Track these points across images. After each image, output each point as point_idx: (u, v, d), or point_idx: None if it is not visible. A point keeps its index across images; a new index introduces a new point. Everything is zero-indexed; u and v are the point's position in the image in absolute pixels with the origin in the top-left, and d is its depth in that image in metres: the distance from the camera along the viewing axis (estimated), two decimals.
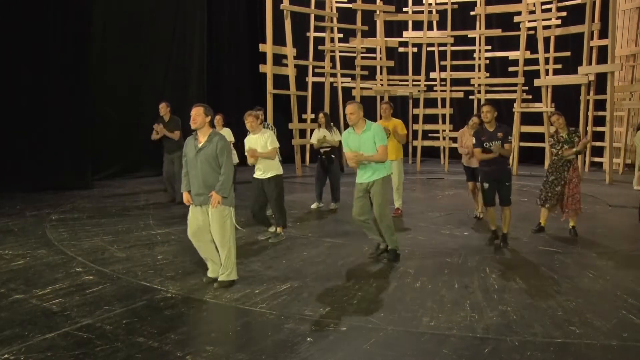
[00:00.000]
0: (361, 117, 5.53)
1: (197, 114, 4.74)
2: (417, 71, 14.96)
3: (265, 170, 6.38)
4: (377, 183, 5.54)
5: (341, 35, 14.63)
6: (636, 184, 5.55)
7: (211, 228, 4.79)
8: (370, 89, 14.55)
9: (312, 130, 9.94)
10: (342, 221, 7.52)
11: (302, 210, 8.54)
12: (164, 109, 8.94)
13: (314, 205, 8.63)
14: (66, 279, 4.99)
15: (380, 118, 7.98)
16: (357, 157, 5.44)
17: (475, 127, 7.87)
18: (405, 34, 14.91)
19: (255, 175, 6.49)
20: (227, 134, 8.37)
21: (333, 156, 8.44)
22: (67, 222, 7.42)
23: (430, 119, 14.95)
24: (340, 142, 8.16)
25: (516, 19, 13.31)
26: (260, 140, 6.33)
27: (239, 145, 8.24)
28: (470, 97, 14.74)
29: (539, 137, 13.29)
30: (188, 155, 4.84)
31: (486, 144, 6.19)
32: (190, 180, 4.83)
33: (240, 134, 7.57)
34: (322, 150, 8.46)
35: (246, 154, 6.40)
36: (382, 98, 13.50)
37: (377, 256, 5.83)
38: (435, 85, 15.17)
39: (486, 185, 6.36)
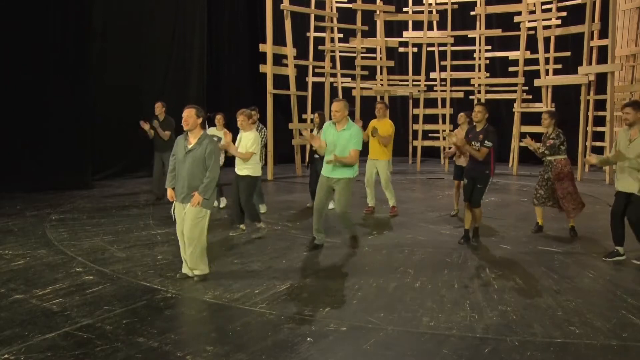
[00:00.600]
0: (345, 116, 5.80)
1: (189, 115, 4.80)
2: (417, 71, 14.94)
3: (242, 168, 6.56)
4: (341, 182, 5.82)
5: (341, 35, 14.62)
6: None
7: (184, 224, 4.85)
8: (371, 89, 14.54)
9: (312, 131, 9.98)
10: (339, 221, 7.50)
11: (301, 210, 8.55)
12: (159, 109, 8.98)
13: (309, 204, 8.72)
14: (66, 279, 4.99)
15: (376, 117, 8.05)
16: (330, 159, 5.70)
17: (465, 120, 7.96)
18: (405, 34, 14.90)
19: (235, 169, 6.67)
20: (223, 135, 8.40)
21: (316, 156, 8.48)
22: (67, 222, 7.42)
23: (431, 119, 14.94)
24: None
25: (516, 19, 13.30)
26: (245, 140, 6.50)
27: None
28: (471, 97, 14.73)
29: (539, 137, 13.19)
30: (177, 154, 4.90)
31: (472, 142, 6.28)
32: (177, 179, 4.91)
33: (237, 132, 7.63)
34: (312, 149, 8.57)
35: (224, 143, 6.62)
36: (381, 98, 13.50)
37: (310, 250, 6.06)
38: (436, 85, 15.16)
39: (465, 180, 6.47)
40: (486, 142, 6.11)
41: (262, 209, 8.04)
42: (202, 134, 4.85)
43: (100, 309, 4.24)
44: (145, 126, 8.90)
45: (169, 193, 5.01)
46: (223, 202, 8.68)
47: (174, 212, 5.00)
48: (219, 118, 8.53)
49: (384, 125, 7.89)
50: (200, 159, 4.77)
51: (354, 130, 5.76)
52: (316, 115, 8.69)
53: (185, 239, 4.90)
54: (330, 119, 8.60)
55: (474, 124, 6.38)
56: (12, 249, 5.99)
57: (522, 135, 13.15)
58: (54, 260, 5.58)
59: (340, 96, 14.63)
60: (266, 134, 8.17)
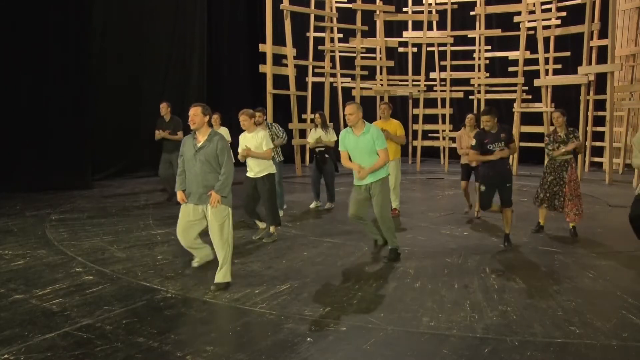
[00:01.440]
0: (360, 118, 5.54)
1: (195, 114, 4.69)
2: (417, 71, 14.96)
3: (260, 170, 6.39)
4: (375, 185, 5.59)
5: (341, 35, 14.63)
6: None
7: (210, 228, 4.76)
8: (370, 89, 14.55)
9: (310, 131, 10.02)
10: (341, 221, 7.52)
11: (301, 210, 8.54)
12: (164, 109, 8.95)
13: (312, 205, 8.68)
14: (66, 279, 4.99)
15: (380, 118, 7.97)
16: (362, 172, 5.47)
17: (472, 124, 7.93)
18: (405, 34, 14.91)
19: (247, 175, 6.52)
20: (225, 133, 8.39)
21: (327, 156, 8.49)
22: (67, 222, 7.42)
23: (430, 119, 14.95)
24: (335, 142, 8.23)
25: (516, 19, 13.30)
26: (254, 140, 6.33)
27: (235, 144, 8.27)
28: (470, 97, 14.75)
29: (539, 137, 13.25)
30: (186, 154, 4.79)
31: (489, 146, 6.12)
32: (188, 180, 4.81)
33: (239, 133, 7.57)
34: (316, 150, 8.53)
35: (239, 151, 6.39)
36: (382, 98, 13.49)
37: (378, 252, 5.93)
38: (435, 85, 15.17)
39: (483, 187, 6.29)
40: (511, 136, 6.14)
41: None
42: (210, 132, 4.76)
43: (100, 309, 4.24)
44: (163, 134, 8.80)
45: (180, 195, 4.87)
46: None
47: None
48: (215, 117, 8.48)
49: (391, 125, 7.80)
50: (212, 156, 4.67)
51: (374, 132, 5.49)
52: (317, 115, 8.72)
53: (215, 245, 4.76)
54: (330, 119, 8.54)
55: (485, 129, 6.25)
56: (12, 249, 5.99)
57: (522, 135, 13.21)
58: (53, 261, 5.58)
59: (340, 96, 14.68)
60: (284, 132, 8.02)
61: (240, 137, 6.49)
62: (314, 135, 8.51)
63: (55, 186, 9.88)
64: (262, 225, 6.79)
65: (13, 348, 3.53)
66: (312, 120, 13.82)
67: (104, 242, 6.37)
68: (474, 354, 3.53)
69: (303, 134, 14.13)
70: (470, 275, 5.19)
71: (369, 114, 8.36)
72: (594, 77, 12.48)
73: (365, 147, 5.49)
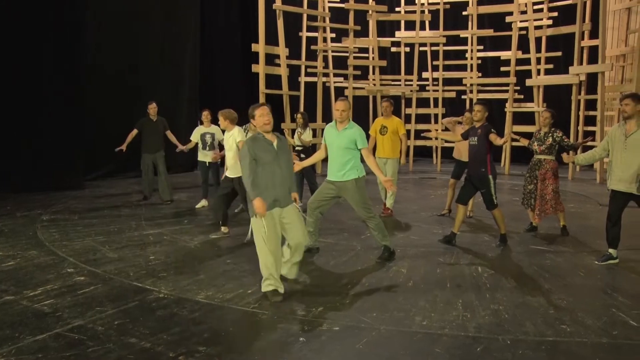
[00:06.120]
0: (349, 116, 5.59)
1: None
2: (409, 71, 14.98)
3: (235, 170, 6.35)
4: (349, 186, 5.46)
5: (333, 35, 14.63)
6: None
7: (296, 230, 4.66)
8: (363, 88, 14.55)
9: (294, 131, 10.05)
10: (333, 221, 7.53)
11: None
12: (154, 110, 8.93)
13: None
14: (57, 279, 4.96)
15: (382, 115, 8.04)
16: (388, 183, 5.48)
17: (470, 122, 8.00)
18: (397, 33, 14.94)
19: (226, 174, 6.54)
20: (217, 131, 8.39)
21: (303, 156, 8.53)
22: (59, 223, 7.37)
23: (423, 118, 14.98)
24: (311, 142, 8.65)
25: (508, 19, 13.37)
26: (229, 139, 6.42)
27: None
28: (463, 96, 14.79)
29: (531, 137, 13.30)
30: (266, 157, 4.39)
31: (470, 139, 6.30)
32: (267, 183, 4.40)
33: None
34: (296, 149, 8.67)
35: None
36: (382, 97, 13.52)
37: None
38: (428, 85, 15.19)
39: (465, 181, 6.41)
40: (491, 131, 6.06)
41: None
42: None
43: (92, 310, 4.21)
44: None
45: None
46: (202, 202, 8.62)
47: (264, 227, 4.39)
48: (205, 114, 8.48)
49: (392, 123, 7.90)
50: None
51: (356, 130, 5.45)
52: (299, 115, 8.85)
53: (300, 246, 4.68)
54: (323, 118, 8.57)
55: (473, 123, 6.38)
56: (3, 250, 5.95)
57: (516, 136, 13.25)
58: (45, 261, 5.54)
59: (333, 96, 14.65)
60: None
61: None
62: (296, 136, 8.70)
63: (47, 187, 9.81)
64: (224, 229, 6.76)
65: (3, 350, 3.51)
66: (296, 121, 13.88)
67: (96, 242, 6.33)
68: (466, 353, 3.55)
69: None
70: (463, 275, 5.21)
71: (362, 113, 8.40)
72: (585, 77, 12.57)
73: (342, 142, 5.45)
